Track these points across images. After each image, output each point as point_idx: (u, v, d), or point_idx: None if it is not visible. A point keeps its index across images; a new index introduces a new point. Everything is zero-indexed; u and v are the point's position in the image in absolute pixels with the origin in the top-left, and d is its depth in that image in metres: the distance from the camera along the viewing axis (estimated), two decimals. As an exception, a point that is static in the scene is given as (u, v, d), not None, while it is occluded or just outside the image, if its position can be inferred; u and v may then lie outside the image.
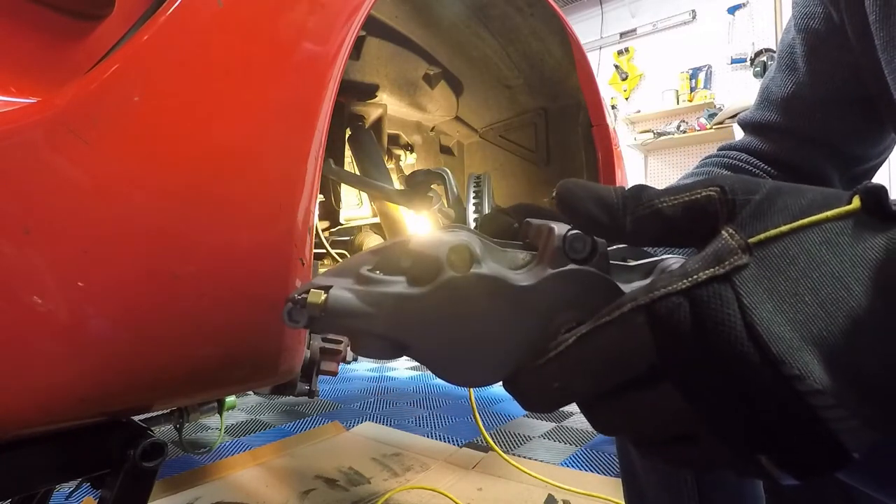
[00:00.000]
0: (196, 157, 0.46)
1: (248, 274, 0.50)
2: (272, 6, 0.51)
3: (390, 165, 1.39)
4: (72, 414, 0.44)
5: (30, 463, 0.47)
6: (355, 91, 1.18)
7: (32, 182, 0.39)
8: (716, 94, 4.48)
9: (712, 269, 0.20)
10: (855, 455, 0.19)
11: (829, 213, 0.21)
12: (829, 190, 0.22)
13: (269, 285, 0.51)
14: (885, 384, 0.19)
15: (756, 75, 4.21)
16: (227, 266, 0.49)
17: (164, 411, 1.07)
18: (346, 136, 1.22)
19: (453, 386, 2.24)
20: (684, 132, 4.46)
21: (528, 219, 0.31)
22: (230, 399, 1.22)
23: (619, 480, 0.69)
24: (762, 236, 0.21)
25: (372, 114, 1.25)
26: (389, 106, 1.28)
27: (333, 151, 1.21)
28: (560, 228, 0.26)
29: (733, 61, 4.39)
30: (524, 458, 1.41)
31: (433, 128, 1.44)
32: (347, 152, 1.24)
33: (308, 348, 0.74)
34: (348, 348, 0.78)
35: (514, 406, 1.95)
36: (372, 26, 1.04)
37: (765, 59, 4.13)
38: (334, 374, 0.76)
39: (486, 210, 0.97)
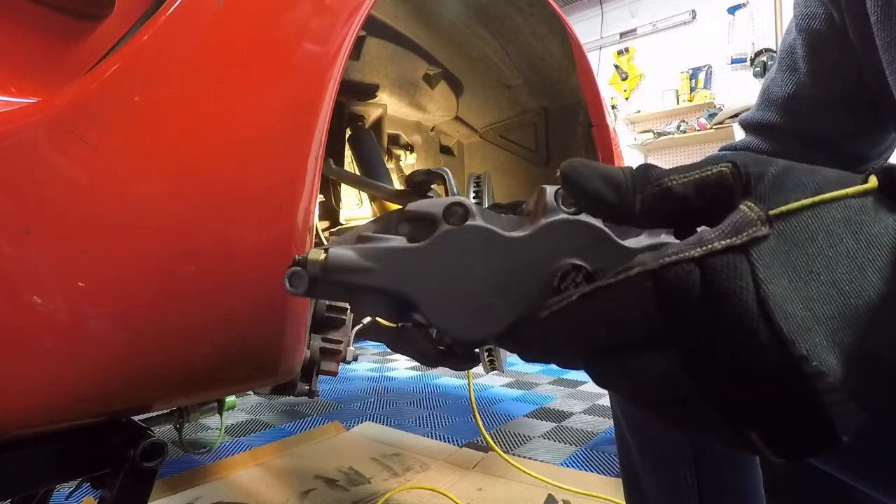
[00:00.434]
0: (196, 157, 0.46)
1: (248, 274, 0.50)
2: (272, 6, 0.51)
3: (390, 165, 1.39)
4: (72, 414, 0.44)
5: (30, 463, 0.47)
6: (355, 91, 1.18)
7: (32, 182, 0.39)
8: (716, 94, 4.48)
9: (729, 239, 0.20)
10: (844, 438, 0.19)
11: (849, 190, 0.20)
12: (842, 171, 0.22)
13: (269, 285, 0.51)
14: (892, 367, 0.19)
15: (756, 75, 4.21)
16: (227, 266, 0.49)
17: (164, 411, 1.07)
18: (346, 136, 1.22)
19: (453, 386, 2.24)
20: (684, 132, 4.46)
21: (521, 207, 0.31)
22: (230, 399, 1.22)
23: (619, 480, 0.69)
24: (784, 208, 0.20)
25: (372, 114, 1.25)
26: (389, 106, 1.28)
27: (333, 151, 1.21)
28: (551, 187, 0.26)
29: (733, 61, 4.39)
30: (524, 458, 1.41)
31: (433, 128, 1.44)
32: (347, 152, 1.24)
33: (308, 348, 0.74)
34: (348, 348, 0.78)
35: (514, 406, 1.95)
36: (372, 26, 1.04)
37: (765, 59, 4.13)
38: (334, 374, 0.76)
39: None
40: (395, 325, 1.02)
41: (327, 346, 0.71)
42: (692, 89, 4.60)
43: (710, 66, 4.55)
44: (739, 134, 0.69)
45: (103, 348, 0.43)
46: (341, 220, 1.36)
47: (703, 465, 0.57)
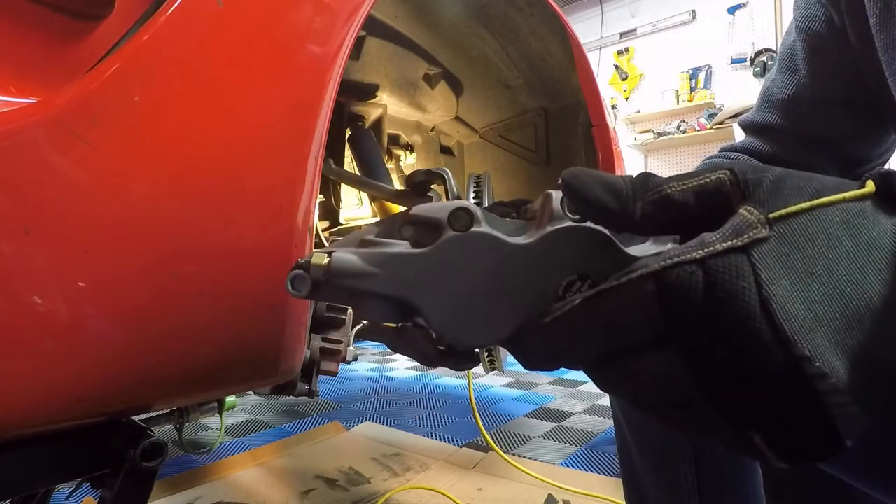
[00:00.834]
0: (196, 157, 0.46)
1: (247, 274, 0.50)
2: (272, 6, 0.51)
3: (390, 165, 1.39)
4: (72, 414, 0.44)
5: (30, 463, 0.47)
6: (355, 91, 1.18)
7: (32, 182, 0.39)
8: (716, 94, 4.48)
9: (730, 241, 0.20)
10: (848, 443, 0.19)
11: (847, 194, 0.21)
12: (838, 178, 0.22)
13: (269, 285, 0.51)
14: (893, 369, 0.19)
15: (756, 75, 4.21)
16: (227, 266, 0.49)
17: (164, 411, 1.07)
18: (346, 136, 1.22)
19: (453, 386, 2.24)
20: (684, 132, 4.46)
21: (524, 206, 0.31)
22: (230, 399, 1.22)
23: (619, 480, 0.69)
24: (783, 211, 0.20)
25: (372, 114, 1.25)
26: (389, 106, 1.28)
27: (333, 151, 1.21)
28: (557, 193, 0.26)
29: (733, 61, 4.39)
30: (524, 458, 1.41)
31: (433, 128, 1.44)
32: (347, 152, 1.24)
33: (308, 348, 0.74)
34: (348, 348, 0.78)
35: (514, 406, 1.95)
36: (372, 26, 1.04)
37: (765, 59, 4.13)
38: (334, 374, 0.76)
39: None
40: (395, 325, 1.02)
41: (327, 346, 0.71)
42: (692, 89, 4.60)
43: (710, 66, 4.55)
44: (739, 134, 0.70)
45: (103, 348, 0.43)
46: (341, 220, 1.36)
47: (703, 465, 0.57)
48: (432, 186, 1.05)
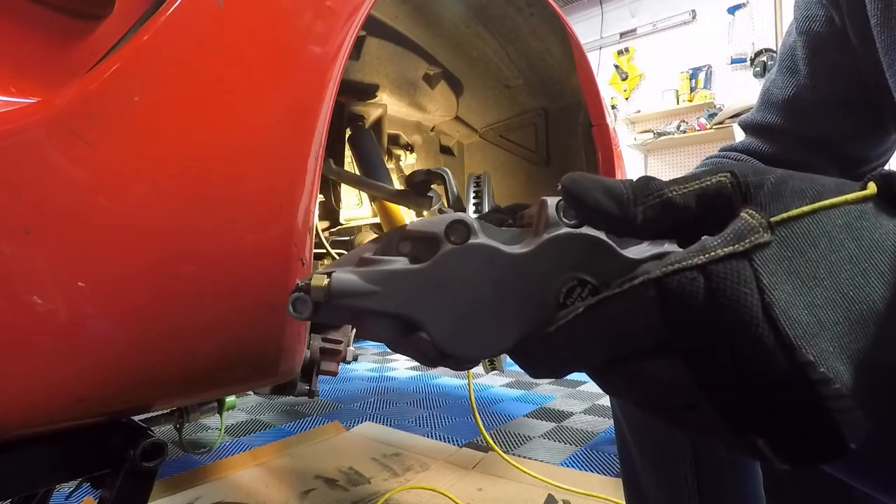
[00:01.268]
0: (196, 157, 0.46)
1: (248, 274, 0.50)
2: (272, 6, 0.51)
3: (390, 165, 1.39)
4: (71, 414, 0.44)
5: (30, 463, 0.47)
6: (355, 91, 1.18)
7: (32, 182, 0.39)
8: (716, 94, 4.48)
9: (732, 246, 0.20)
10: (852, 446, 0.19)
11: (849, 197, 0.21)
12: (840, 179, 0.22)
13: (269, 285, 0.51)
14: None
15: (756, 75, 4.21)
16: (227, 266, 0.49)
17: (164, 411, 1.07)
18: (346, 136, 1.22)
19: (453, 386, 2.24)
20: (684, 132, 4.46)
21: (520, 213, 0.31)
22: (230, 399, 1.22)
23: (619, 480, 0.69)
24: (784, 215, 0.20)
25: (372, 114, 1.25)
26: (389, 106, 1.28)
27: (333, 151, 1.21)
28: (552, 199, 0.26)
29: (733, 61, 4.39)
30: (524, 458, 1.41)
31: (433, 128, 1.44)
32: (347, 152, 1.24)
33: (308, 348, 0.74)
34: (348, 348, 0.78)
35: (514, 406, 1.95)
36: (372, 26, 1.04)
37: (765, 59, 4.13)
38: (334, 374, 0.76)
39: (487, 210, 0.97)
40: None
41: (327, 346, 0.71)
42: (692, 89, 4.60)
43: (710, 66, 4.55)
44: (739, 134, 0.70)
45: (103, 348, 0.43)
46: (341, 220, 1.36)
47: (703, 465, 0.57)
48: (432, 186, 1.05)
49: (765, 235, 0.20)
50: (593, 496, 1.16)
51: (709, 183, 0.22)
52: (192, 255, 0.47)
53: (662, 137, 4.54)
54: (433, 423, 1.75)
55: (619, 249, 0.26)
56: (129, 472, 0.50)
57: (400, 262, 0.27)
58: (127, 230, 0.43)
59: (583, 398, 2.03)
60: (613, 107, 4.95)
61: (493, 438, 1.52)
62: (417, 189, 1.04)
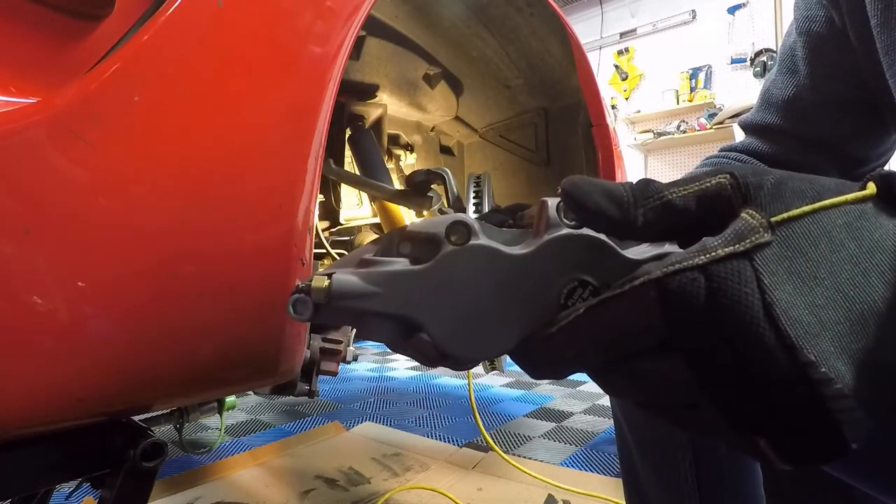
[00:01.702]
0: (196, 157, 0.46)
1: (248, 274, 0.50)
2: (272, 6, 0.51)
3: (390, 165, 1.39)
4: (71, 414, 0.44)
5: (30, 463, 0.47)
6: (355, 91, 1.18)
7: (32, 182, 0.39)
8: (716, 94, 4.48)
9: (732, 246, 0.20)
10: (853, 446, 0.19)
11: (848, 197, 0.21)
12: (839, 179, 0.22)
13: (270, 285, 0.51)
14: None
15: (756, 75, 4.21)
16: (227, 266, 0.49)
17: (164, 411, 1.07)
18: (346, 136, 1.22)
19: (453, 386, 2.24)
20: (684, 132, 4.46)
21: (520, 213, 0.31)
22: (230, 399, 1.22)
23: (619, 480, 0.69)
24: (785, 215, 0.20)
25: (372, 114, 1.25)
26: (389, 106, 1.28)
27: (333, 151, 1.21)
28: (553, 200, 0.26)
29: (733, 61, 4.39)
30: (524, 458, 1.41)
31: (433, 128, 1.44)
32: (347, 152, 1.24)
33: (308, 348, 0.74)
34: (348, 348, 0.78)
35: (514, 406, 1.95)
36: (372, 26, 1.04)
37: (765, 59, 4.13)
38: (334, 374, 0.76)
39: (487, 210, 0.97)
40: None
41: (327, 346, 0.71)
42: (692, 89, 4.60)
43: (710, 66, 4.55)
44: (739, 134, 0.70)
45: (103, 348, 0.43)
46: (341, 220, 1.36)
47: (703, 465, 0.57)
48: (432, 186, 1.05)
49: (765, 235, 0.20)
50: (593, 496, 1.16)
51: (708, 184, 0.22)
52: (192, 255, 0.47)
53: (662, 137, 4.54)
54: (433, 423, 1.75)
55: (619, 250, 0.26)
56: (129, 472, 0.50)
57: (400, 264, 0.26)
58: (127, 230, 0.43)
59: (583, 398, 2.03)
60: (613, 107, 4.95)
61: (493, 438, 1.52)
62: (417, 189, 1.04)
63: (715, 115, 4.25)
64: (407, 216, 1.23)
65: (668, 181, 0.24)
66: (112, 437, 0.51)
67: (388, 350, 1.37)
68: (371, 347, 3.27)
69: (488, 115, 1.36)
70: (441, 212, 1.02)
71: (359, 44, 1.07)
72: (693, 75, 4.61)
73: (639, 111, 4.87)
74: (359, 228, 1.38)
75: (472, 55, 1.15)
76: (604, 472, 1.31)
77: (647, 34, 4.91)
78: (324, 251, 1.15)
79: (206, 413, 1.15)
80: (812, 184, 0.21)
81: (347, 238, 1.33)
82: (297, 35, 0.53)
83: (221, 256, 0.48)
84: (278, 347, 0.54)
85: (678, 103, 4.62)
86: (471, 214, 0.97)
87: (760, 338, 0.19)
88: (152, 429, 0.53)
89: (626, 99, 5.03)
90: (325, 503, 1.17)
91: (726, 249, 0.20)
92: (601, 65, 5.08)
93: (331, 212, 1.34)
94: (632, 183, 0.24)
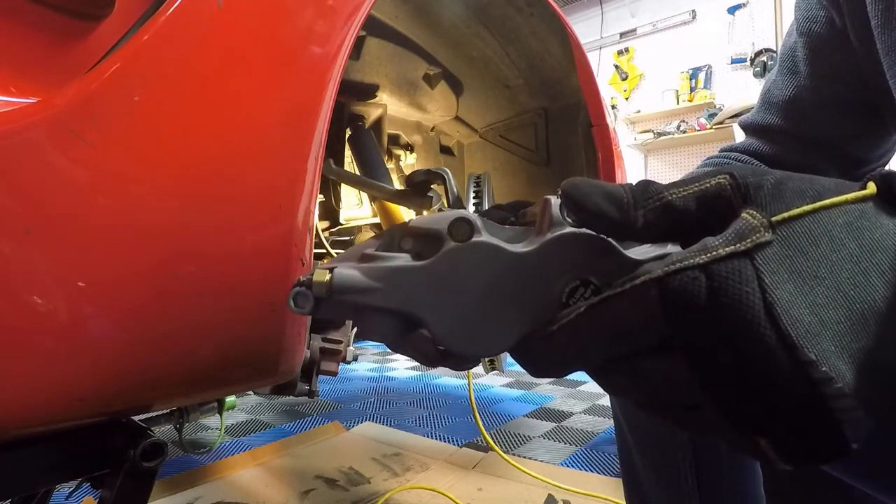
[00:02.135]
0: (196, 157, 0.46)
1: (248, 274, 0.50)
2: (272, 6, 0.51)
3: (390, 165, 1.39)
4: (71, 414, 0.44)
5: (30, 463, 0.47)
6: (355, 91, 1.18)
7: (32, 182, 0.39)
8: (716, 94, 4.48)
9: (733, 246, 0.20)
10: (854, 446, 0.19)
11: (849, 196, 0.21)
12: (839, 179, 0.22)
13: (270, 285, 0.51)
14: None
15: (756, 75, 4.21)
16: (227, 266, 0.49)
17: (164, 411, 1.07)
18: (346, 136, 1.22)
19: (453, 386, 2.24)
20: (684, 132, 4.46)
21: (522, 210, 0.31)
22: (230, 399, 1.22)
23: (619, 480, 0.69)
24: (786, 215, 0.20)
25: (372, 114, 1.25)
26: (389, 106, 1.28)
27: (333, 151, 1.21)
28: (556, 198, 0.26)
29: (733, 61, 4.39)
30: (524, 458, 1.41)
31: (433, 128, 1.44)
32: (347, 152, 1.24)
33: (308, 348, 0.74)
34: (348, 348, 0.78)
35: (514, 406, 1.95)
36: (372, 26, 1.04)
37: (765, 59, 4.13)
38: (334, 374, 0.76)
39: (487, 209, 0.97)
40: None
41: (327, 346, 0.71)
42: (692, 89, 4.60)
43: (710, 66, 4.55)
44: (739, 134, 0.70)
45: (103, 348, 0.43)
46: (341, 220, 1.36)
47: (703, 465, 0.57)
48: (432, 186, 1.05)
49: (766, 235, 0.20)
50: (593, 496, 1.16)
51: (708, 185, 0.22)
52: (192, 255, 0.47)
53: (662, 137, 4.54)
54: (433, 423, 1.75)
55: (622, 250, 0.26)
56: (129, 472, 0.50)
57: (402, 259, 0.26)
58: (127, 230, 0.43)
59: (583, 398, 2.03)
60: (613, 107, 4.95)
61: (493, 438, 1.52)
62: (417, 189, 1.04)
63: (715, 115, 4.25)
64: (407, 216, 1.23)
65: (668, 181, 0.24)
66: (112, 437, 0.51)
67: (388, 350, 1.37)
68: (371, 347, 3.27)
69: (488, 115, 1.36)
70: (442, 211, 1.02)
71: (359, 44, 1.07)
72: (693, 75, 4.61)
73: (639, 111, 4.87)
74: (359, 228, 1.38)
75: (472, 55, 1.15)
76: (604, 472, 1.31)
77: (647, 34, 4.91)
78: (324, 251, 1.15)
79: (206, 413, 1.15)
80: (812, 184, 0.21)
81: (347, 238, 1.33)
82: (297, 35, 0.53)
83: (221, 256, 0.48)
84: (278, 347, 0.54)
85: (678, 103, 4.62)
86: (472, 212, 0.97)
87: (761, 337, 0.19)
88: (152, 429, 0.53)
89: (626, 99, 5.03)
90: (325, 503, 1.17)
91: (727, 249, 0.20)
92: (601, 65, 5.08)
93: (331, 212, 1.34)
94: (631, 184, 0.24)
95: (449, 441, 1.56)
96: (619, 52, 5.05)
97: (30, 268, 0.39)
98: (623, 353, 0.22)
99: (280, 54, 0.51)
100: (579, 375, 2.44)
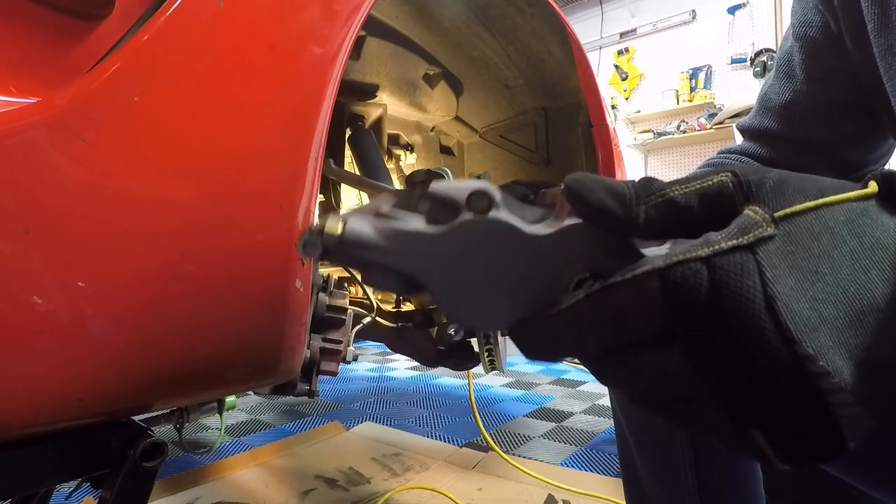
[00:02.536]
0: (195, 157, 0.46)
1: (248, 274, 0.50)
2: (272, 6, 0.51)
3: (390, 165, 1.39)
4: (72, 414, 0.44)
5: (30, 463, 0.47)
6: (355, 91, 1.18)
7: (32, 182, 0.39)
8: (716, 94, 4.48)
9: (736, 240, 0.20)
10: (851, 445, 0.19)
11: (851, 194, 0.21)
12: (840, 180, 0.22)
13: (270, 286, 0.51)
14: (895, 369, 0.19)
15: (756, 75, 4.21)
16: (227, 266, 0.49)
17: (164, 411, 1.07)
18: (346, 136, 1.22)
19: (453, 386, 2.24)
20: (684, 132, 4.45)
21: (543, 189, 0.31)
22: (230, 399, 1.22)
23: (619, 480, 0.69)
24: (788, 210, 0.21)
25: (372, 114, 1.25)
26: (389, 106, 1.28)
27: (333, 151, 1.21)
28: None
29: (733, 61, 4.39)
30: (524, 458, 1.41)
31: (433, 128, 1.44)
32: (347, 152, 1.24)
33: (308, 348, 0.74)
34: (348, 348, 0.78)
35: (514, 406, 1.95)
36: (372, 26, 1.04)
37: (765, 59, 4.13)
38: (334, 374, 0.76)
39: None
40: (395, 326, 1.02)
41: (327, 346, 0.71)
42: (692, 89, 4.60)
43: (710, 66, 4.55)
44: (739, 134, 0.70)
45: (103, 348, 0.43)
46: (341, 220, 1.36)
47: (703, 465, 0.57)
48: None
49: (769, 229, 0.20)
50: (593, 496, 1.16)
51: (710, 183, 0.23)
52: (192, 255, 0.47)
53: (662, 137, 4.54)
54: (433, 423, 1.75)
55: (638, 248, 0.25)
56: (129, 472, 0.50)
57: (416, 222, 0.26)
58: (127, 230, 0.43)
59: (583, 398, 2.03)
60: (613, 107, 4.95)
61: (493, 438, 1.52)
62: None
63: (715, 115, 4.25)
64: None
65: (669, 181, 0.24)
66: (112, 437, 0.51)
67: (389, 350, 1.37)
68: (371, 347, 3.27)
69: (488, 115, 1.36)
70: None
71: (359, 44, 1.07)
72: (693, 75, 4.61)
73: (639, 111, 4.87)
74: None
75: (472, 55, 1.15)
76: (604, 472, 1.31)
77: (647, 34, 4.90)
78: (324, 251, 1.15)
79: (206, 413, 1.15)
80: (814, 182, 0.22)
81: (347, 238, 1.33)
82: (297, 35, 0.53)
83: (221, 257, 0.48)
84: (278, 347, 0.54)
85: (678, 103, 4.61)
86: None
87: (761, 330, 0.19)
88: (152, 429, 0.53)
89: (626, 99, 5.03)
90: (325, 503, 1.17)
91: (730, 242, 0.20)
92: (601, 65, 5.08)
93: (331, 212, 1.34)
94: (634, 181, 0.24)
95: (449, 441, 1.56)
96: (619, 52, 5.04)
97: (30, 268, 0.39)
98: (621, 343, 0.22)
99: (280, 54, 0.51)
100: (579, 375, 2.44)
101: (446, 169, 1.02)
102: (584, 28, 5.08)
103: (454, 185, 0.26)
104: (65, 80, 0.42)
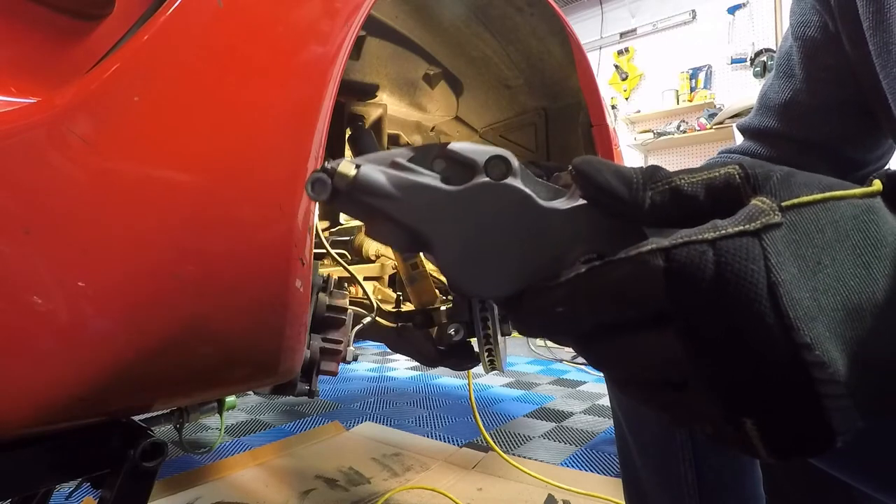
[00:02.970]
0: (195, 157, 0.46)
1: (248, 274, 0.50)
2: (272, 6, 0.51)
3: (390, 165, 1.38)
4: (71, 414, 0.44)
5: (30, 463, 0.47)
6: (355, 91, 1.18)
7: (32, 182, 0.39)
8: (716, 94, 4.48)
9: (743, 226, 0.20)
10: (839, 440, 0.19)
11: (857, 191, 0.21)
12: (842, 180, 0.22)
13: (269, 285, 0.51)
14: (889, 366, 0.19)
15: (756, 75, 4.21)
16: (227, 266, 0.49)
17: (164, 411, 1.07)
18: (346, 135, 1.22)
19: (453, 386, 2.24)
20: (684, 132, 4.45)
21: (556, 173, 0.31)
22: (230, 399, 1.22)
23: (619, 480, 0.69)
24: (796, 201, 0.21)
25: (372, 114, 1.25)
26: (389, 106, 1.28)
27: (333, 151, 1.21)
28: None
29: (733, 61, 4.39)
30: (524, 458, 1.41)
31: (433, 128, 1.44)
32: (347, 152, 1.24)
33: (308, 348, 0.74)
34: (348, 348, 0.78)
35: (514, 406, 1.95)
36: (372, 26, 1.04)
37: (765, 59, 4.12)
38: (334, 374, 0.76)
39: None
40: (395, 326, 1.02)
41: (327, 346, 0.71)
42: (692, 89, 4.60)
43: (710, 66, 4.55)
44: (739, 134, 0.70)
45: (103, 348, 0.43)
46: (341, 220, 1.36)
47: (703, 465, 0.57)
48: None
49: (776, 217, 0.20)
50: (593, 496, 1.16)
51: (717, 174, 0.23)
52: (192, 255, 0.47)
53: (662, 137, 4.54)
54: (433, 423, 1.75)
55: (648, 237, 0.25)
56: (129, 472, 0.50)
57: (430, 178, 0.26)
58: (127, 230, 0.43)
59: (583, 398, 2.03)
60: (613, 107, 4.95)
61: (493, 438, 1.52)
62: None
63: (715, 115, 4.25)
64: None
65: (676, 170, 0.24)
66: (112, 437, 0.51)
67: (389, 350, 1.37)
68: (371, 347, 3.27)
69: (488, 115, 1.36)
70: None
71: (359, 44, 1.07)
72: (693, 75, 4.61)
73: (639, 111, 4.87)
74: (359, 228, 1.38)
75: (472, 55, 1.15)
76: (604, 472, 1.31)
77: (647, 34, 4.90)
78: (324, 251, 1.15)
79: (206, 413, 1.15)
80: (819, 179, 0.22)
81: (347, 238, 1.33)
82: (298, 35, 0.53)
83: (221, 256, 0.48)
84: (278, 347, 0.54)
85: (678, 103, 4.61)
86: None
87: (761, 315, 0.19)
88: (152, 429, 0.53)
89: (626, 99, 5.02)
90: (325, 503, 1.17)
91: (737, 227, 0.20)
92: (601, 65, 5.08)
93: (331, 212, 1.34)
94: (641, 167, 0.24)
95: (449, 441, 1.56)
96: (619, 52, 5.04)
97: (30, 268, 0.39)
98: (616, 320, 0.22)
99: (280, 54, 0.51)
100: (579, 375, 2.44)
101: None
102: (584, 28, 5.08)
103: (473, 148, 0.26)
104: (65, 80, 0.42)
